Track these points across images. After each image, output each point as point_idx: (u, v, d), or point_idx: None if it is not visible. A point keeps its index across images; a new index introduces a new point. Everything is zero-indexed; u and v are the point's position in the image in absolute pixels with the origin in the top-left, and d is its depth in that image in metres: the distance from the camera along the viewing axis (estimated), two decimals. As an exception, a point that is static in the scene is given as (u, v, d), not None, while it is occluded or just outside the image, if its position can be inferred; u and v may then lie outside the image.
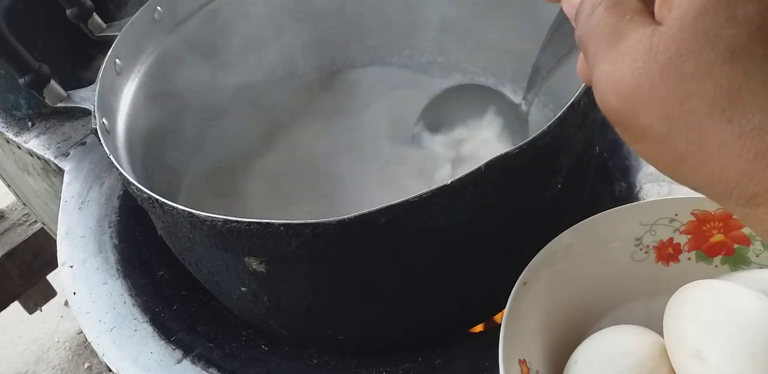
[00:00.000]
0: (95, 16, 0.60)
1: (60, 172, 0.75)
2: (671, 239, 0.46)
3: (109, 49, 0.53)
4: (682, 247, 0.46)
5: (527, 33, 0.58)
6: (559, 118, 0.39)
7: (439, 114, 0.59)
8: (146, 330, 0.57)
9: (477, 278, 0.47)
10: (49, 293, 1.35)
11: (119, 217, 0.66)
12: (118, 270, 0.62)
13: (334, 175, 0.61)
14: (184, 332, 0.56)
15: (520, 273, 0.43)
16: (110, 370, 0.55)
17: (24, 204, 1.09)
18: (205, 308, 0.59)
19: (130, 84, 0.56)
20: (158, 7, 0.58)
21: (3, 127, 0.81)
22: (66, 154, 0.76)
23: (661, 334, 0.40)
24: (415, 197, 0.37)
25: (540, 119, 0.64)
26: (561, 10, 0.30)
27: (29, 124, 0.81)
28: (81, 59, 0.73)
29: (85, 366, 1.39)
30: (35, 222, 1.16)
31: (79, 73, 0.74)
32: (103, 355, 0.56)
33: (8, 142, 0.82)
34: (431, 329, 0.51)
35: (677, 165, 0.23)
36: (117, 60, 0.54)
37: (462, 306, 0.50)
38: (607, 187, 0.61)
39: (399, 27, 0.68)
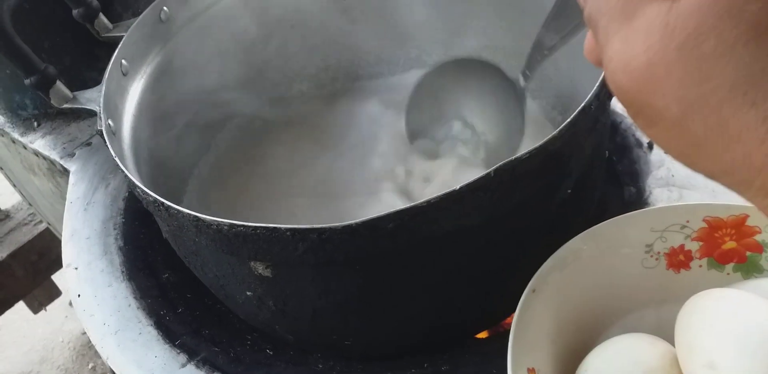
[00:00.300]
0: (102, 16, 0.59)
1: (65, 172, 0.75)
2: (682, 246, 0.45)
3: (116, 49, 0.53)
4: (693, 254, 0.45)
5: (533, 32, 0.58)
6: (570, 122, 0.39)
7: (433, 91, 0.57)
8: (151, 333, 0.56)
9: (485, 284, 0.46)
10: (54, 293, 1.35)
11: (124, 219, 0.66)
12: (122, 272, 0.61)
13: (340, 178, 0.61)
14: (189, 336, 0.56)
15: (529, 279, 0.42)
16: (114, 372, 0.55)
17: (29, 204, 1.09)
18: (210, 312, 0.59)
19: (137, 85, 0.55)
20: (165, 8, 0.57)
21: (9, 127, 0.81)
22: (72, 155, 0.76)
23: (672, 343, 0.40)
24: (423, 202, 0.36)
25: (544, 121, 0.63)
26: None
27: (35, 124, 0.81)
28: (87, 60, 0.73)
29: (90, 367, 1.39)
30: (40, 222, 1.16)
31: (85, 74, 0.74)
32: (107, 358, 0.55)
33: (14, 142, 0.82)
34: (438, 334, 0.51)
35: (693, 151, 0.22)
36: (123, 61, 0.53)
37: (469, 311, 0.49)
38: (616, 192, 0.60)
39: (405, 27, 0.68)
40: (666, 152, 0.23)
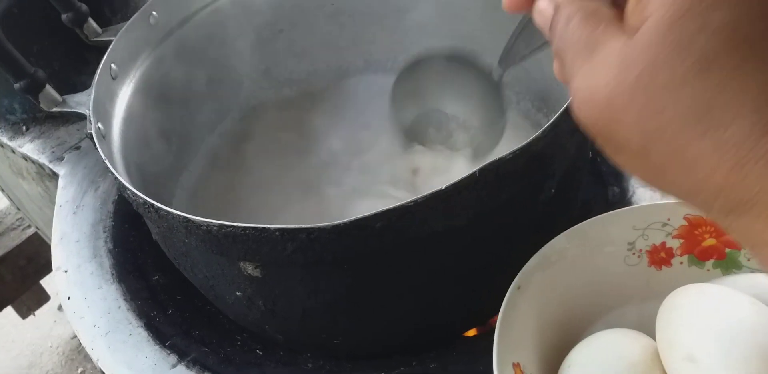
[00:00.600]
0: (91, 20, 0.60)
1: (54, 176, 0.75)
2: (664, 243, 0.46)
3: (105, 53, 0.53)
4: (674, 251, 0.46)
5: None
6: (552, 123, 0.40)
7: (412, 86, 0.57)
8: (141, 334, 0.57)
9: (471, 282, 0.47)
10: (43, 298, 1.34)
11: (114, 222, 0.66)
12: (112, 274, 0.62)
13: (329, 179, 0.61)
14: (179, 337, 0.56)
15: (514, 278, 0.43)
16: (104, 375, 0.55)
17: (18, 208, 1.09)
18: (200, 313, 0.59)
19: (126, 89, 0.56)
20: (154, 12, 0.58)
21: (-3, 131, 0.81)
22: (60, 159, 0.76)
23: (654, 338, 0.41)
24: (410, 202, 0.37)
25: (528, 123, 0.64)
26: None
27: (24, 128, 0.81)
28: (76, 64, 0.73)
29: (79, 371, 1.38)
30: (29, 226, 1.16)
31: (75, 78, 0.74)
32: (97, 360, 0.56)
33: (2, 146, 0.82)
34: (426, 333, 0.51)
35: (658, 176, 0.23)
36: (112, 65, 0.54)
37: (457, 310, 0.50)
38: (600, 192, 0.61)
39: (394, 33, 0.69)
40: (635, 177, 0.24)
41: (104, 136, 0.50)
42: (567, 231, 0.45)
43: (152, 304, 0.59)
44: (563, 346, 0.43)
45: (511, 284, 0.43)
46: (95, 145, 0.47)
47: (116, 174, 0.45)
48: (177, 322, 0.58)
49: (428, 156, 0.58)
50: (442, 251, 0.44)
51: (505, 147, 0.39)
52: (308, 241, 0.38)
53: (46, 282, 1.28)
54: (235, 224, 0.39)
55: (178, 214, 0.40)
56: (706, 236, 0.45)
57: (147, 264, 0.62)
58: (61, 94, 0.54)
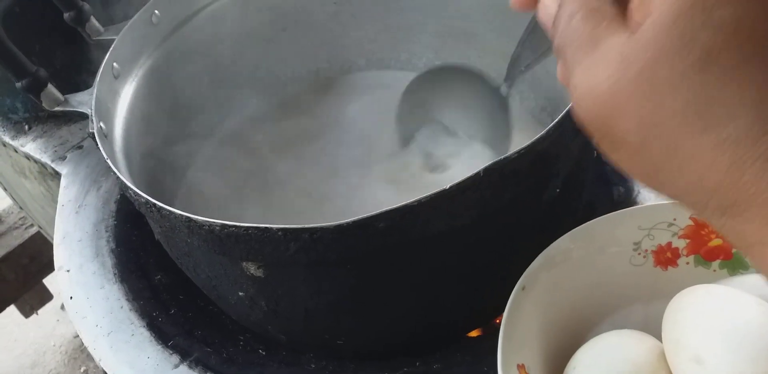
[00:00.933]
0: (93, 19, 0.59)
1: (57, 175, 0.75)
2: (669, 243, 0.46)
3: (107, 52, 0.53)
4: (680, 252, 0.46)
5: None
6: (557, 123, 0.39)
7: (420, 98, 0.58)
8: (143, 334, 0.56)
9: (475, 282, 0.47)
10: (46, 297, 1.34)
11: (116, 221, 0.66)
12: (115, 274, 0.61)
13: (332, 179, 0.61)
14: (182, 336, 0.56)
15: (519, 278, 0.43)
16: (107, 374, 0.55)
17: (20, 207, 1.09)
18: (203, 312, 0.59)
19: (128, 88, 0.56)
20: (156, 11, 0.57)
21: (0, 130, 0.81)
22: (63, 158, 0.76)
23: (660, 339, 0.40)
24: (414, 202, 0.37)
25: (533, 123, 0.64)
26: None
27: (26, 127, 0.81)
28: (78, 63, 0.73)
29: (81, 370, 1.39)
30: (32, 225, 1.16)
31: (77, 77, 0.74)
32: (100, 360, 0.55)
33: (5, 145, 0.82)
34: (429, 334, 0.51)
35: (654, 175, 0.23)
36: (114, 64, 0.54)
37: (460, 310, 0.50)
38: (605, 191, 0.61)
39: (396, 32, 0.68)
40: (631, 176, 0.24)
41: (106, 135, 0.50)
42: (572, 231, 0.45)
43: (155, 304, 0.59)
44: (568, 347, 0.43)
45: (515, 284, 0.42)
46: (97, 145, 0.47)
47: (118, 173, 0.45)
48: (179, 322, 0.58)
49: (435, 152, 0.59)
50: (446, 251, 0.43)
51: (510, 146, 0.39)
52: (311, 241, 0.38)
53: (48, 281, 1.28)
54: (237, 224, 0.38)
55: (180, 214, 0.40)
56: (713, 236, 0.45)
57: (149, 263, 0.62)
58: (63, 93, 0.54)
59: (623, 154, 0.24)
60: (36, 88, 0.52)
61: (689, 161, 0.21)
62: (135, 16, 0.56)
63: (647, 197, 0.59)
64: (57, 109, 0.54)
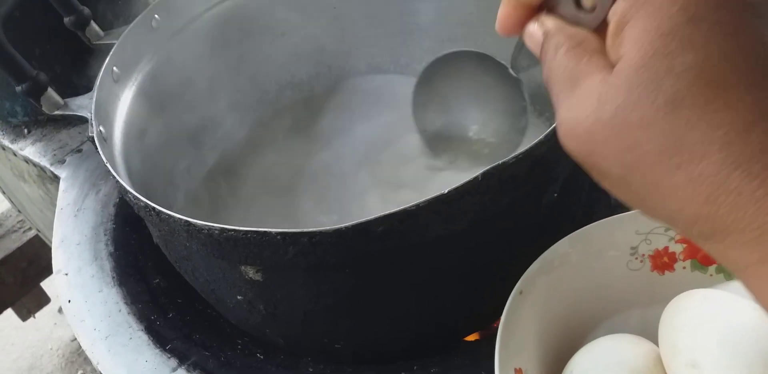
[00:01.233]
0: (93, 24, 0.60)
1: (56, 179, 0.75)
2: (666, 248, 0.46)
3: (107, 57, 0.53)
4: (677, 256, 0.46)
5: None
6: (555, 127, 0.39)
7: (434, 86, 0.57)
8: (141, 338, 0.56)
9: (474, 287, 0.47)
10: (43, 300, 1.34)
11: (115, 225, 0.66)
12: (113, 278, 0.61)
13: (333, 182, 0.61)
14: (180, 340, 0.56)
15: (517, 282, 0.43)
16: (105, 378, 0.55)
17: (19, 211, 1.09)
18: (201, 316, 0.59)
19: (128, 92, 0.56)
20: (156, 15, 0.58)
21: (-1, 134, 0.82)
22: (62, 161, 0.76)
23: (657, 343, 0.41)
24: (412, 206, 0.37)
25: (531, 127, 0.64)
26: None
27: (25, 131, 0.81)
28: (78, 67, 0.73)
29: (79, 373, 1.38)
30: (30, 228, 1.16)
31: (76, 81, 0.74)
32: (97, 363, 0.55)
33: (4, 149, 0.82)
34: (428, 338, 0.51)
35: (640, 203, 0.24)
36: (114, 68, 0.54)
37: (459, 314, 0.50)
38: (602, 196, 0.61)
39: (396, 36, 0.68)
40: (621, 201, 0.26)
41: (106, 139, 0.50)
42: (570, 235, 0.45)
43: (153, 308, 0.59)
44: (565, 351, 0.43)
45: (513, 288, 0.42)
46: (97, 148, 0.47)
47: (118, 177, 0.45)
48: (177, 326, 0.58)
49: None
50: (444, 255, 0.43)
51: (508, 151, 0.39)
52: (310, 245, 0.38)
53: (46, 285, 1.28)
54: (236, 228, 0.39)
55: (179, 218, 0.40)
56: (709, 241, 0.45)
57: (148, 267, 0.62)
58: (63, 97, 0.54)
59: (609, 184, 0.25)
60: (36, 91, 0.52)
61: (669, 194, 0.22)
62: (135, 21, 0.56)
63: (645, 202, 0.59)
64: (57, 112, 0.54)
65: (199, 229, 0.40)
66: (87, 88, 0.53)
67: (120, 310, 0.59)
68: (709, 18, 0.22)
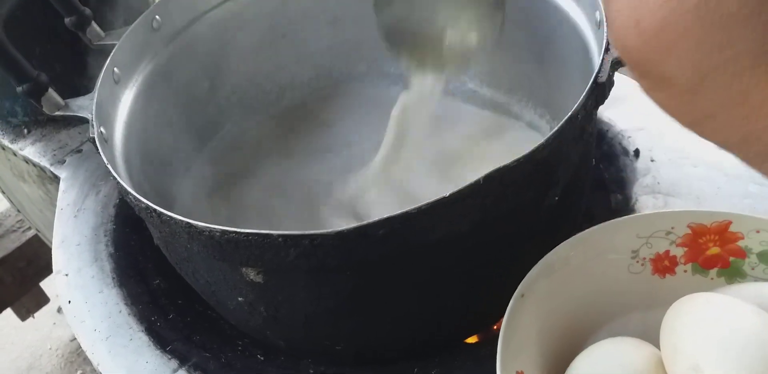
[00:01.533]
0: (94, 24, 0.60)
1: (56, 179, 0.75)
2: (667, 252, 0.46)
3: (108, 57, 0.53)
4: (678, 260, 0.46)
5: (525, 44, 0.59)
6: (557, 131, 0.40)
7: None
8: (141, 339, 0.56)
9: (475, 289, 0.47)
10: (42, 300, 1.34)
11: (115, 226, 0.66)
12: (113, 278, 0.61)
13: (333, 184, 0.61)
14: (180, 342, 0.56)
15: (518, 285, 0.43)
16: (104, 379, 0.55)
17: (18, 210, 1.09)
18: (201, 318, 0.59)
19: (128, 93, 0.56)
20: (157, 16, 0.58)
21: (-1, 134, 0.81)
22: (62, 162, 0.76)
23: (658, 346, 0.41)
24: (414, 209, 0.37)
25: (531, 131, 0.64)
26: None
27: (25, 131, 0.81)
28: (78, 67, 0.73)
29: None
30: (29, 228, 1.16)
31: (77, 82, 0.74)
32: (98, 365, 0.55)
33: (4, 149, 0.82)
34: (428, 340, 0.51)
35: (706, 121, 0.20)
36: (115, 69, 0.54)
37: (459, 317, 0.50)
38: (603, 199, 0.61)
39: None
40: (672, 118, 0.21)
41: (106, 140, 0.50)
42: (570, 238, 0.45)
43: (153, 309, 0.59)
44: (566, 354, 0.43)
45: (514, 291, 0.42)
46: (98, 149, 0.47)
47: (118, 178, 0.45)
48: (178, 327, 0.58)
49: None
50: (445, 258, 0.43)
51: (509, 154, 0.39)
52: (311, 247, 0.38)
53: (45, 285, 1.28)
54: (237, 230, 0.39)
55: (180, 219, 0.40)
56: (710, 244, 0.45)
57: (148, 268, 0.62)
58: (64, 98, 0.54)
59: (669, 94, 0.21)
60: (37, 92, 0.52)
61: (756, 109, 0.19)
62: (136, 22, 0.56)
63: (645, 204, 0.59)
64: (57, 113, 0.54)
65: (200, 231, 0.40)
66: (87, 89, 0.53)
67: (120, 311, 0.59)
68: None
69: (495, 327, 0.54)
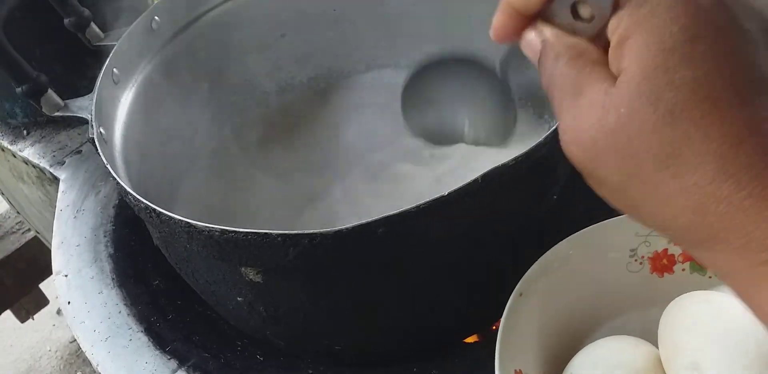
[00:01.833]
0: (93, 25, 0.60)
1: (55, 180, 0.75)
2: (666, 250, 0.46)
3: (107, 58, 0.53)
4: (676, 258, 0.46)
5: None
6: (555, 129, 0.40)
7: (420, 92, 0.58)
8: (141, 340, 0.56)
9: (474, 288, 0.47)
10: (42, 301, 1.34)
11: (115, 226, 0.66)
12: (113, 279, 0.61)
13: (332, 184, 0.61)
14: (180, 342, 0.56)
15: (517, 284, 0.43)
16: (104, 380, 0.55)
17: (18, 212, 1.09)
18: (201, 318, 0.59)
19: (128, 93, 0.56)
20: (156, 17, 0.58)
21: (-2, 135, 0.82)
22: (61, 163, 0.76)
23: (657, 345, 0.41)
24: (413, 208, 0.37)
25: (530, 129, 0.64)
26: None
27: (24, 132, 0.81)
28: (78, 68, 0.73)
29: (77, 375, 1.38)
30: (29, 230, 1.16)
31: (76, 82, 0.74)
32: (97, 365, 0.55)
33: (3, 150, 0.82)
34: (428, 339, 0.51)
35: (635, 211, 0.26)
36: (114, 69, 0.54)
37: (459, 316, 0.50)
38: (602, 198, 0.61)
39: (395, 38, 0.69)
40: (616, 208, 0.27)
41: (106, 141, 0.50)
42: (569, 237, 0.45)
43: (153, 309, 0.59)
44: (565, 353, 0.43)
45: (512, 289, 0.42)
46: (97, 150, 0.47)
47: (118, 179, 0.45)
48: (177, 327, 0.58)
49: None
50: (444, 257, 0.43)
51: (508, 153, 0.39)
52: (310, 247, 0.38)
53: (44, 286, 1.28)
54: (237, 229, 0.39)
55: (179, 219, 0.40)
56: (709, 243, 0.45)
57: (148, 268, 0.62)
58: (63, 99, 0.54)
59: (607, 191, 0.26)
60: (36, 93, 0.52)
61: (664, 202, 0.24)
62: (135, 22, 0.56)
63: (644, 204, 0.59)
64: (57, 114, 0.54)
65: (200, 231, 0.40)
66: (87, 89, 0.53)
67: (120, 312, 0.59)
68: (708, 38, 0.23)
69: (494, 326, 0.54)
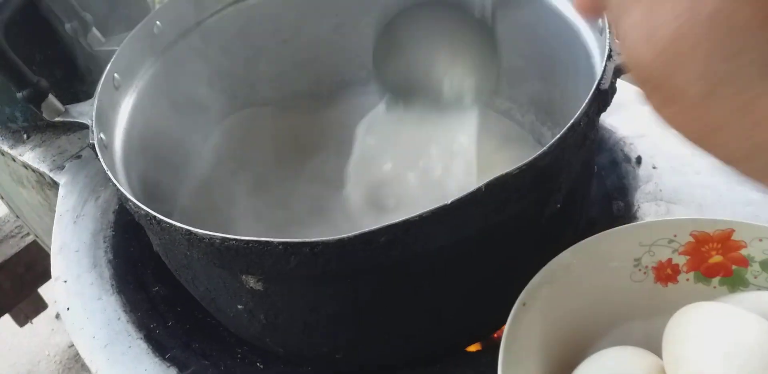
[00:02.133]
0: (94, 30, 0.59)
1: (55, 185, 0.75)
2: (670, 260, 0.46)
3: (108, 63, 0.53)
4: (680, 268, 0.46)
5: (527, 50, 0.59)
6: (559, 138, 0.39)
7: (395, 38, 0.53)
8: (140, 346, 0.56)
9: (476, 297, 0.47)
10: (41, 306, 1.34)
11: (114, 232, 0.66)
12: (112, 285, 0.61)
13: (333, 191, 0.61)
14: (179, 349, 0.56)
15: (519, 293, 0.43)
16: (103, 387, 0.55)
17: (17, 216, 1.09)
18: (201, 325, 0.58)
19: (128, 99, 0.56)
20: (157, 22, 0.58)
21: (-2, 139, 0.81)
22: (61, 167, 0.75)
23: (660, 355, 0.40)
24: (415, 216, 0.37)
25: (532, 137, 0.64)
26: None
27: (24, 136, 0.81)
28: (79, 73, 0.73)
29: (76, 380, 1.38)
30: (28, 234, 1.15)
31: (77, 87, 0.74)
32: (96, 372, 0.55)
33: (3, 154, 0.82)
34: (429, 348, 0.51)
35: (712, 134, 0.20)
36: (115, 74, 0.54)
37: (461, 325, 0.49)
38: (604, 206, 0.61)
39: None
40: (680, 133, 0.21)
41: (106, 146, 0.50)
42: (573, 246, 0.45)
43: (152, 316, 0.59)
44: (568, 363, 0.43)
45: (515, 299, 0.42)
46: (97, 156, 0.47)
47: (118, 185, 0.44)
48: (177, 334, 0.57)
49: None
50: (447, 266, 0.43)
51: (510, 161, 0.39)
52: (312, 255, 0.38)
53: (43, 290, 1.28)
54: (237, 237, 0.38)
55: (180, 227, 0.40)
56: (713, 253, 0.45)
57: (147, 275, 0.62)
58: (64, 104, 0.54)
59: (678, 109, 0.21)
60: (37, 98, 0.52)
61: (761, 121, 0.19)
62: (136, 27, 0.56)
63: (647, 212, 0.59)
64: (57, 119, 0.53)
65: (200, 238, 0.39)
66: (87, 94, 0.52)
67: (119, 318, 0.58)
68: None
69: (496, 335, 0.54)
